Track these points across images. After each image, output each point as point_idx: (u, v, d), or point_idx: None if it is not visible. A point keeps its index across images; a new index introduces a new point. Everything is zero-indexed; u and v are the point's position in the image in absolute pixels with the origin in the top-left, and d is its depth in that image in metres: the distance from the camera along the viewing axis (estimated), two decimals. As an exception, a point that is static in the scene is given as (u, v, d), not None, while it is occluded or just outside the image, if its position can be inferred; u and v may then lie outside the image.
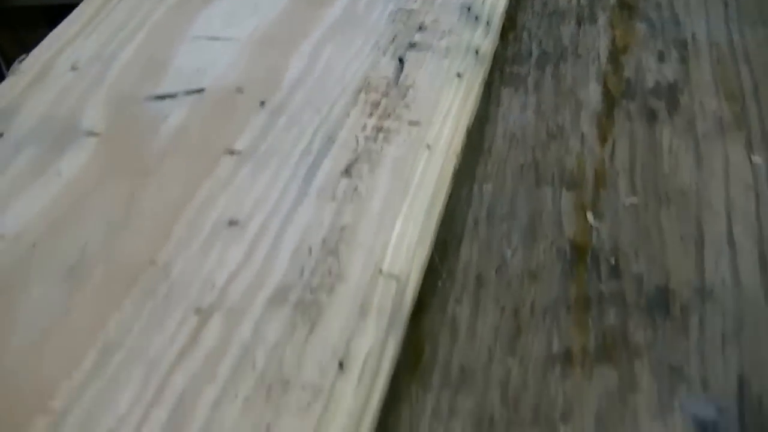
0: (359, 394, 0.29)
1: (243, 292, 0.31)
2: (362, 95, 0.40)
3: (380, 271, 0.32)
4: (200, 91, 0.40)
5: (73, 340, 0.30)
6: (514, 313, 0.33)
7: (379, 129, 0.38)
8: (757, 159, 0.38)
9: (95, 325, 0.31)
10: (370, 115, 0.38)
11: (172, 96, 0.40)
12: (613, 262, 0.34)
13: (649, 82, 0.42)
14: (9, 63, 0.44)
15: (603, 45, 0.45)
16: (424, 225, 0.34)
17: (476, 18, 0.44)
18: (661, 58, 0.44)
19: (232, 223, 0.34)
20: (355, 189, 0.35)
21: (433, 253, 0.35)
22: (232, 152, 0.37)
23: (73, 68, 0.43)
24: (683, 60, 0.43)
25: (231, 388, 0.28)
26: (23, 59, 0.44)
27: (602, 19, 0.46)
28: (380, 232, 0.33)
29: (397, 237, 0.33)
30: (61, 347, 0.30)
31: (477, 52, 0.42)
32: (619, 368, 0.31)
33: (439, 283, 0.34)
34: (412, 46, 0.42)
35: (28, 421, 0.28)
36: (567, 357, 0.31)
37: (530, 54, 0.45)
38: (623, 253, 0.34)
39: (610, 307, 0.32)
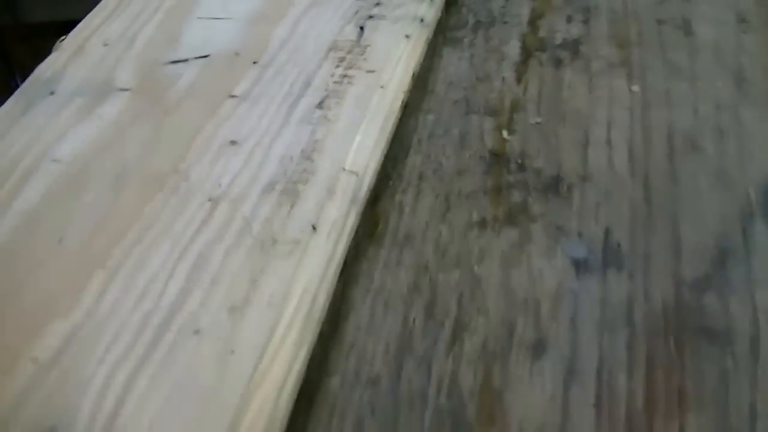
0: (327, 247, 0.40)
1: (243, 187, 0.43)
2: (331, 53, 0.51)
3: (343, 168, 0.43)
4: (207, 56, 0.52)
5: (119, 223, 0.41)
6: (445, 198, 0.44)
7: (344, 76, 0.49)
8: (634, 88, 0.49)
9: (135, 212, 0.42)
10: (337, 66, 0.50)
11: (184, 60, 0.52)
12: (519, 161, 0.45)
13: (558, 39, 0.54)
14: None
15: (525, 13, 0.57)
16: (378, 139, 0.46)
17: (423, -5, 0.56)
18: (569, 20, 0.56)
19: (234, 142, 0.46)
20: (325, 116, 0.47)
21: (386, 162, 0.46)
22: (232, 96, 0.49)
23: (105, 44, 0.55)
24: (586, 21, 0.55)
25: (235, 245, 0.40)
26: (63, 39, 0.56)
27: (526, -6, 0.58)
28: (344, 144, 0.45)
29: (357, 147, 0.45)
30: (111, 228, 0.41)
31: (422, 20, 0.54)
32: (519, 229, 0.42)
33: (390, 183, 0.45)
34: (371, 17, 0.54)
35: (90, 275, 0.39)
36: (482, 223, 0.42)
37: (467, 22, 0.57)
38: (528, 155, 0.46)
39: (515, 191, 0.44)
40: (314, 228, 0.40)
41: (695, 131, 0.46)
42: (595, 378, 0.35)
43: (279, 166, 0.44)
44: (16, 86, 0.53)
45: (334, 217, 0.41)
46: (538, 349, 0.36)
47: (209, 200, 0.42)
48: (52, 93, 0.51)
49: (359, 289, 0.40)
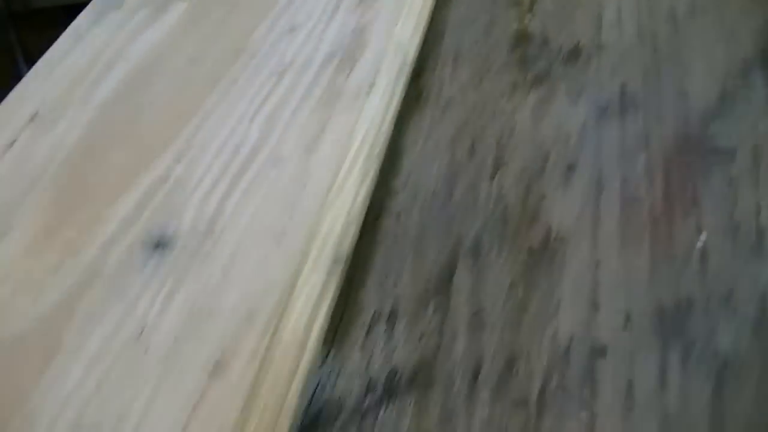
0: (382, 103, 0.46)
1: (302, 62, 0.49)
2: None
3: (391, 42, 0.50)
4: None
5: (199, 90, 0.48)
6: (479, 70, 0.50)
7: (383, -23, 0.56)
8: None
9: (212, 82, 0.48)
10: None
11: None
12: (542, 39, 0.52)
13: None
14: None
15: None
16: (417, 22, 0.52)
17: None
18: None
19: (291, 30, 0.52)
20: (370, 6, 0.53)
21: (424, 46, 0.52)
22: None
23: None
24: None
25: (303, 102, 0.46)
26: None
27: None
28: (389, 26, 0.51)
29: (400, 27, 0.51)
30: (192, 94, 0.47)
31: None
32: (546, 88, 0.48)
33: (430, 61, 0.52)
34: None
35: (181, 124, 0.45)
36: (513, 87, 0.49)
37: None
38: (549, 33, 0.52)
39: (540, 61, 0.50)
40: (370, 88, 0.46)
41: (697, 3, 0.52)
42: (619, 188, 0.41)
43: (334, 42, 0.50)
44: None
45: (386, 82, 0.47)
46: (570, 170, 0.42)
47: (278, 70, 0.48)
48: (118, 8, 0.57)
49: (410, 138, 0.46)
